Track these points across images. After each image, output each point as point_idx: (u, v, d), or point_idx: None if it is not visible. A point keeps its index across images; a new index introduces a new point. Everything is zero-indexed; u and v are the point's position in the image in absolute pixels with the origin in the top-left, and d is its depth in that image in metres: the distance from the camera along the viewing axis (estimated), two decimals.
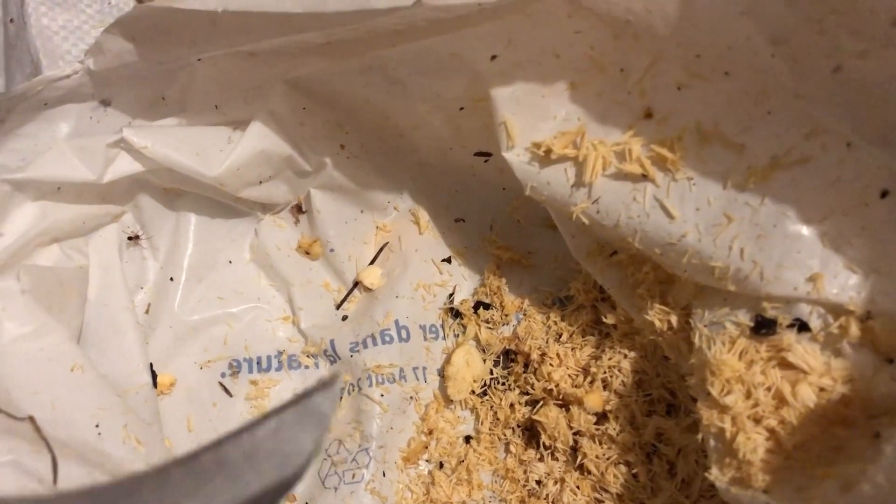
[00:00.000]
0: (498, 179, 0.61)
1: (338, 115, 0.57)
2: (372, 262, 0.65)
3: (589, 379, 0.55)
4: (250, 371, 0.62)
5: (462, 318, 0.63)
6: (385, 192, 0.65)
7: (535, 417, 0.57)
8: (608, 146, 0.44)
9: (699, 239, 0.42)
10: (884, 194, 0.38)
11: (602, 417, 0.55)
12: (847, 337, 0.39)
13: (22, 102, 0.52)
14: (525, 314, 0.62)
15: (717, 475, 0.41)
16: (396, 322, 0.62)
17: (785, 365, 0.40)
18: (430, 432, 0.60)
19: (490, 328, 0.62)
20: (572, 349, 0.57)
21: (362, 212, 0.65)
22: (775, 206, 0.40)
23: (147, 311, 0.60)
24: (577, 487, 0.55)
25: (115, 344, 0.55)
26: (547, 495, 0.56)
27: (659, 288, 0.49)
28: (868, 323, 0.38)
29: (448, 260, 0.65)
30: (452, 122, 0.54)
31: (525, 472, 0.58)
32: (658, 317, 0.48)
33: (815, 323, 0.40)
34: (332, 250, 0.64)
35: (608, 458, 0.54)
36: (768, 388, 0.40)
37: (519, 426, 0.60)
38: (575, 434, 0.56)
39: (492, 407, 0.60)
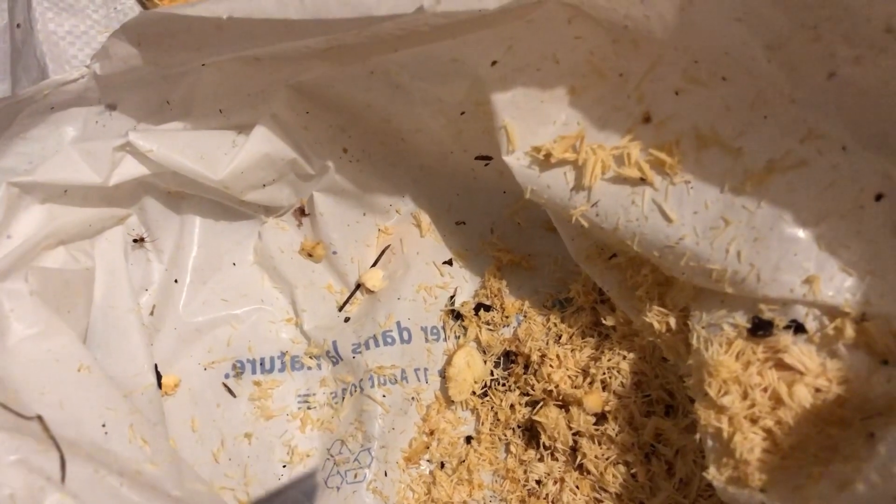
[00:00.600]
0: (498, 183, 0.61)
1: (341, 120, 0.57)
2: (374, 265, 0.66)
3: (588, 380, 0.56)
4: (254, 372, 0.63)
5: (463, 320, 0.64)
6: (387, 195, 0.65)
7: (535, 418, 0.57)
8: (607, 150, 0.45)
9: (697, 242, 0.43)
10: (878, 197, 0.38)
11: (601, 418, 0.55)
12: (842, 338, 0.39)
13: (29, 106, 0.52)
14: (525, 316, 0.62)
15: (715, 475, 0.42)
16: (398, 324, 0.63)
17: (781, 366, 0.41)
18: (432, 433, 0.60)
19: (491, 330, 0.63)
20: (572, 350, 0.58)
21: (364, 215, 0.65)
22: (772, 209, 0.40)
23: (152, 313, 0.61)
24: (577, 487, 0.55)
25: (121, 345, 0.56)
26: (547, 495, 0.56)
27: (657, 290, 0.49)
28: (863, 325, 0.39)
29: (449, 262, 0.66)
30: (453, 127, 0.55)
31: (525, 471, 0.58)
32: (656, 319, 0.49)
33: (811, 325, 0.40)
34: (334, 253, 0.64)
35: (607, 458, 0.54)
36: (765, 389, 0.41)
37: (519, 427, 0.60)
38: (574, 434, 0.56)
39: (492, 408, 0.61)
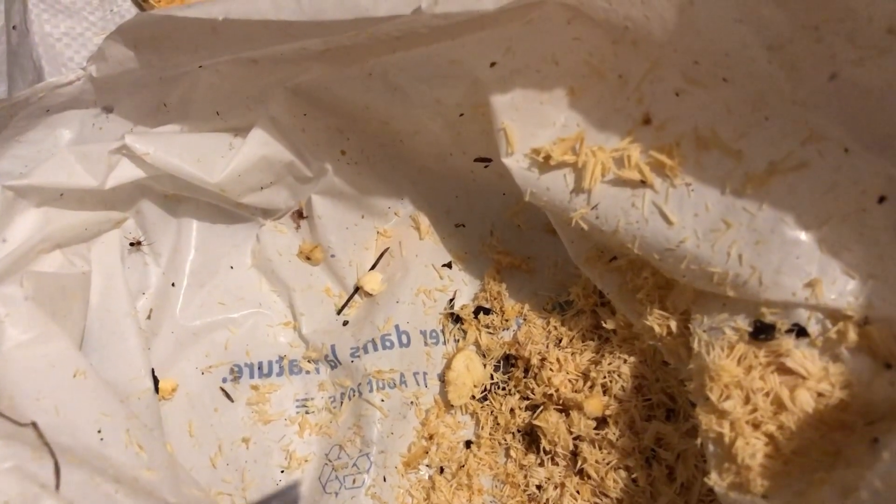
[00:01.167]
0: (498, 185, 0.61)
1: (339, 122, 0.57)
2: (373, 268, 0.66)
3: (589, 384, 0.56)
4: (251, 376, 0.62)
5: (462, 323, 0.63)
6: (386, 197, 0.65)
7: (536, 422, 0.57)
8: (607, 152, 0.45)
9: (698, 245, 0.42)
10: (881, 200, 0.38)
11: (602, 422, 0.55)
12: (845, 342, 0.39)
13: (24, 109, 0.52)
14: (525, 319, 0.62)
15: (716, 480, 0.41)
16: (397, 327, 0.62)
17: (783, 370, 0.41)
18: (431, 437, 0.60)
19: (490, 333, 0.63)
20: (572, 354, 0.57)
21: (363, 217, 0.65)
22: (773, 211, 0.40)
23: (149, 317, 0.61)
24: (577, 492, 0.55)
25: (118, 349, 0.56)
26: (547, 500, 0.56)
27: (658, 293, 0.49)
28: (866, 328, 0.39)
29: (448, 265, 0.66)
30: (452, 128, 0.55)
31: (525, 476, 0.58)
32: (657, 322, 0.48)
33: (813, 328, 0.40)
34: (332, 256, 0.64)
35: (608, 463, 0.54)
36: (767, 394, 0.40)
37: (519, 431, 0.60)
38: (575, 439, 0.56)
39: (492, 412, 0.61)
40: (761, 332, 0.41)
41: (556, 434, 0.56)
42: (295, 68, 0.51)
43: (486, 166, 0.59)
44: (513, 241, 0.65)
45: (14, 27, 0.70)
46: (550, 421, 0.56)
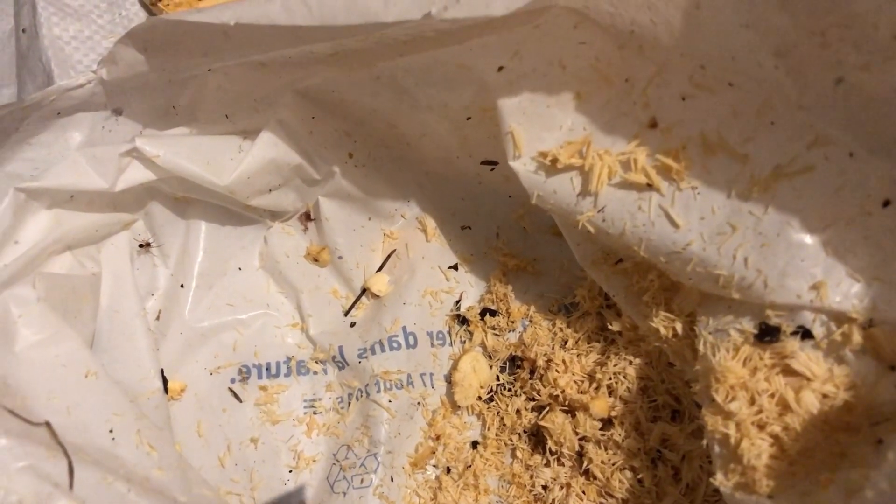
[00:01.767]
0: (504, 187, 0.61)
1: (346, 125, 0.57)
2: (379, 270, 0.66)
3: (594, 385, 0.56)
4: (260, 377, 0.63)
5: (469, 325, 0.64)
6: (392, 199, 0.65)
7: (542, 423, 0.57)
8: (613, 156, 0.45)
9: (703, 247, 0.43)
10: (886, 204, 0.38)
11: (607, 423, 0.55)
12: (850, 344, 0.39)
13: (35, 111, 0.52)
14: (531, 321, 0.62)
15: (722, 481, 0.42)
16: (404, 328, 0.63)
17: (788, 372, 0.41)
18: (438, 438, 0.60)
19: (496, 335, 0.63)
20: (578, 355, 0.58)
21: (370, 219, 0.65)
22: (779, 215, 0.40)
23: (158, 318, 0.61)
24: (583, 492, 0.55)
25: (127, 350, 0.56)
26: (553, 500, 0.56)
27: (664, 295, 0.49)
28: (870, 331, 0.39)
29: (455, 267, 0.66)
30: (459, 132, 0.55)
31: (531, 477, 0.58)
32: (663, 324, 0.49)
33: (818, 330, 0.40)
34: (340, 257, 0.64)
35: (613, 464, 0.54)
36: (772, 395, 0.41)
37: (525, 432, 0.60)
38: (581, 440, 0.56)
39: (498, 413, 0.61)
40: (766, 335, 0.42)
41: (561, 435, 0.56)
42: (303, 71, 0.52)
43: (492, 169, 0.59)
44: (519, 244, 0.66)
45: (24, 30, 0.70)
46: (556, 422, 0.56)
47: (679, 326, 0.48)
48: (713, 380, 0.43)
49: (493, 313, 0.63)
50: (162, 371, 0.58)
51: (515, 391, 0.61)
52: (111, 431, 0.46)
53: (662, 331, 0.49)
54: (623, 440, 0.54)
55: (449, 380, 0.62)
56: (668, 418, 0.54)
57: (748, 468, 0.40)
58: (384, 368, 0.61)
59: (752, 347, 0.42)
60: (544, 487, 0.58)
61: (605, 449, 0.55)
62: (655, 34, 0.40)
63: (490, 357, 0.62)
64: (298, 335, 0.65)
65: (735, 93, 0.41)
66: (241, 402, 0.61)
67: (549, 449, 0.57)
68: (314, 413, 0.62)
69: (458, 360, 0.61)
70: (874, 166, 0.38)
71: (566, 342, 0.59)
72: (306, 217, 0.65)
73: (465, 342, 0.64)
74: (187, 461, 0.55)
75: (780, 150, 0.40)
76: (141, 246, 0.61)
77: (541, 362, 0.59)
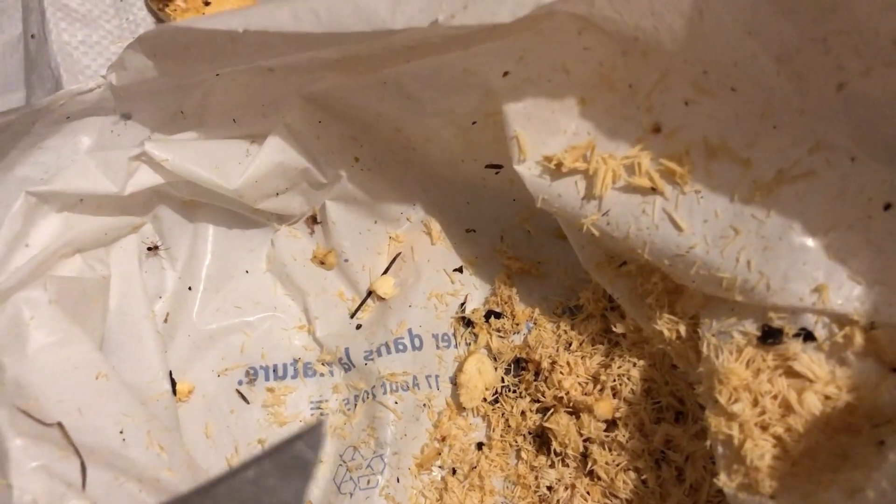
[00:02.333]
0: (508, 191, 0.62)
1: (353, 129, 0.58)
2: (385, 272, 0.67)
3: (599, 387, 0.56)
4: (267, 379, 0.63)
5: (474, 327, 0.64)
6: (398, 203, 0.66)
7: (546, 424, 0.58)
8: (618, 160, 0.45)
9: (707, 251, 0.43)
10: (887, 207, 0.39)
11: (612, 424, 0.56)
12: (852, 346, 0.40)
13: (45, 116, 0.53)
14: (535, 323, 0.63)
15: (725, 481, 0.42)
16: (409, 331, 0.63)
17: (791, 373, 0.41)
18: (443, 439, 0.61)
19: (501, 337, 0.63)
20: (582, 358, 0.58)
21: (376, 223, 0.66)
22: (781, 218, 0.41)
23: (166, 320, 0.62)
24: (588, 493, 0.56)
25: (136, 352, 0.57)
26: (558, 501, 0.57)
27: (667, 298, 0.50)
28: (872, 333, 0.39)
29: (460, 270, 0.66)
30: (464, 136, 0.55)
31: (536, 478, 0.59)
32: (667, 326, 0.49)
33: (820, 333, 0.41)
34: (346, 260, 0.65)
35: (618, 465, 0.55)
36: (775, 397, 0.41)
37: (530, 433, 0.61)
38: (585, 441, 0.57)
39: (503, 414, 0.61)
40: (769, 337, 0.42)
41: (566, 436, 0.57)
42: (310, 77, 0.52)
43: (496, 173, 0.60)
44: (523, 247, 0.66)
45: (32, 36, 0.71)
46: (561, 423, 0.57)
47: (683, 329, 0.48)
48: (716, 382, 0.43)
49: (498, 316, 0.64)
50: (170, 373, 0.59)
51: (520, 393, 0.62)
52: (122, 432, 0.47)
53: (666, 333, 0.49)
54: (627, 441, 0.54)
55: (454, 382, 0.63)
56: (672, 420, 0.55)
57: (751, 469, 0.41)
58: (390, 370, 0.62)
59: (754, 349, 0.43)
60: (549, 488, 0.58)
61: (610, 450, 0.55)
62: (659, 40, 0.41)
63: (495, 359, 0.63)
64: (305, 337, 0.65)
65: (737, 98, 0.41)
66: (248, 403, 0.62)
67: (554, 450, 0.58)
68: (321, 414, 0.63)
69: (464, 362, 0.61)
70: (875, 170, 0.39)
71: (570, 344, 0.60)
72: (313, 220, 0.66)
73: (470, 344, 0.64)
74: (196, 462, 0.55)
75: (782, 155, 0.41)
76: (149, 249, 0.61)
77: (545, 364, 0.59)
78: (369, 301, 0.66)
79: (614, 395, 0.56)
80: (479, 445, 0.62)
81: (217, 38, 0.47)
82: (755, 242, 0.42)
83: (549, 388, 0.59)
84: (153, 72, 0.51)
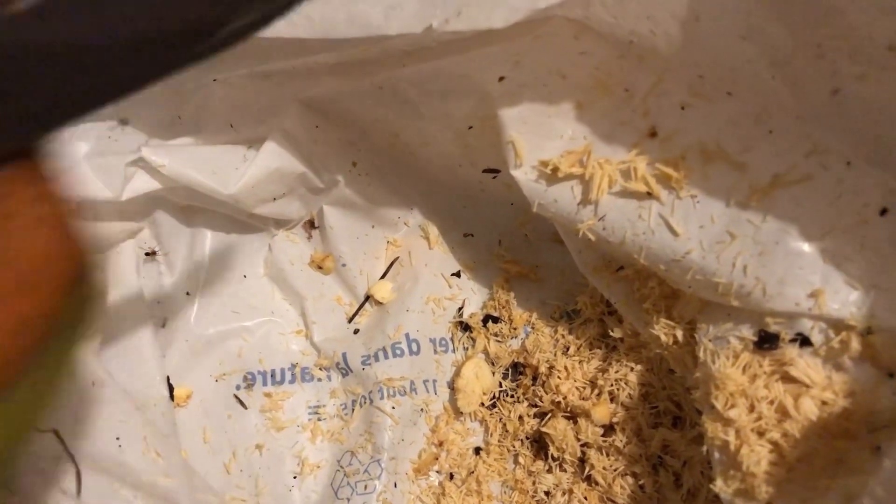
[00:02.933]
0: (506, 195, 0.62)
1: (350, 134, 0.58)
2: (383, 277, 0.67)
3: (596, 391, 0.56)
4: (264, 384, 0.63)
5: (471, 332, 0.64)
6: (396, 208, 0.66)
7: (544, 429, 0.58)
8: (614, 164, 0.45)
9: (703, 256, 0.43)
10: (883, 212, 0.38)
11: (609, 429, 0.56)
12: (848, 352, 0.40)
13: None
14: (533, 327, 0.63)
15: (722, 487, 0.42)
16: (407, 335, 0.63)
17: (787, 379, 0.41)
18: (441, 444, 0.61)
19: (499, 341, 0.63)
20: (580, 362, 0.58)
21: (373, 227, 0.66)
22: (777, 223, 0.41)
23: (164, 325, 0.62)
24: (585, 498, 0.55)
25: (133, 357, 0.57)
26: None
27: (664, 303, 0.50)
28: (869, 338, 0.39)
29: (457, 274, 0.66)
30: (461, 140, 0.55)
31: (534, 483, 0.59)
32: (664, 331, 0.49)
33: (816, 338, 0.41)
34: (343, 265, 0.65)
35: (615, 470, 0.55)
36: (771, 402, 0.41)
37: (528, 438, 0.61)
38: (583, 446, 0.56)
39: (501, 419, 0.61)
40: (765, 342, 0.42)
41: (563, 441, 0.56)
42: (307, 82, 0.52)
43: (494, 177, 0.60)
44: (521, 251, 0.66)
45: None
46: (558, 428, 0.57)
47: (679, 334, 0.48)
48: (713, 387, 0.43)
49: (496, 320, 0.64)
50: (168, 378, 0.59)
51: (518, 397, 0.62)
52: (118, 438, 0.47)
53: (663, 338, 0.49)
54: (624, 446, 0.54)
55: (452, 386, 0.63)
56: (670, 424, 0.54)
57: (747, 475, 0.41)
58: (388, 375, 0.61)
59: (751, 355, 0.42)
60: (547, 493, 0.58)
61: (607, 455, 0.55)
62: (655, 44, 0.41)
63: (493, 364, 0.63)
64: (303, 342, 0.65)
65: (733, 102, 0.41)
66: (246, 408, 0.62)
67: (552, 455, 0.58)
68: (318, 419, 0.63)
69: (461, 366, 0.61)
70: (871, 175, 0.39)
71: (568, 349, 0.60)
72: (310, 225, 0.66)
73: (467, 349, 0.64)
74: (193, 467, 0.55)
75: (778, 159, 0.41)
76: (147, 254, 0.62)
77: (543, 369, 0.59)
78: (367, 305, 0.66)
79: (612, 400, 0.56)
80: (477, 450, 0.62)
81: None
82: (751, 247, 0.42)
83: (546, 393, 0.59)
84: None
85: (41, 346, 0.22)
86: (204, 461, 0.59)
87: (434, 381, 0.63)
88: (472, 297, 0.66)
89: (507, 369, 0.63)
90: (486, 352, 0.63)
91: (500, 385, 0.62)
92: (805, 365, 0.41)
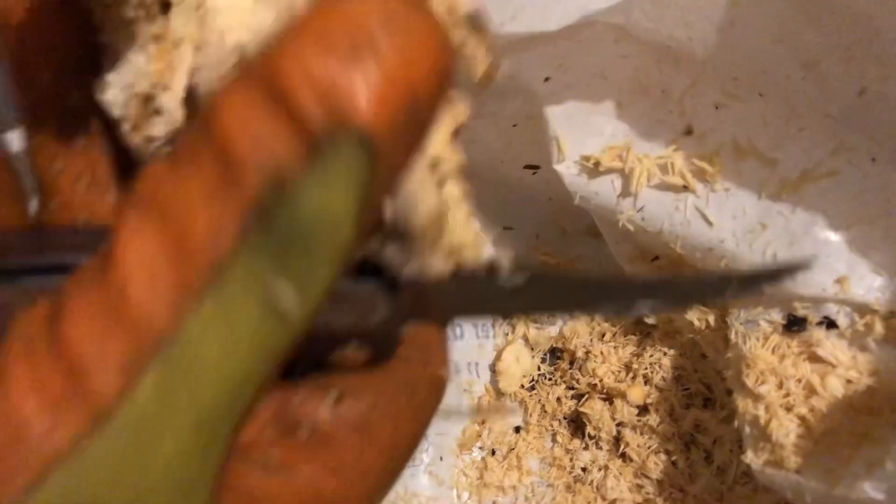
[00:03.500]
0: (544, 191, 0.64)
1: None
2: None
3: (631, 374, 0.59)
4: None
5: (511, 319, 0.67)
6: None
7: (581, 409, 0.61)
8: (652, 160, 0.48)
9: (736, 244, 0.46)
10: None
11: (643, 410, 0.59)
12: (872, 334, 0.42)
13: None
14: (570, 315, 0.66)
15: (752, 458, 0.45)
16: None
17: (814, 359, 0.44)
18: (483, 422, 0.64)
19: (538, 328, 0.66)
20: (615, 347, 0.61)
21: None
22: (806, 214, 0.44)
23: None
24: (620, 474, 0.58)
25: None
26: (591, 481, 0.60)
27: None
28: (892, 321, 0.42)
29: None
30: (505, 138, 0.58)
31: (571, 459, 0.61)
32: (697, 317, 0.52)
33: (842, 321, 0.43)
34: None
35: (649, 447, 0.57)
36: (799, 380, 0.44)
37: (565, 418, 0.63)
38: (618, 425, 0.59)
39: (539, 400, 0.64)
40: (794, 325, 0.45)
41: (600, 420, 0.59)
42: None
43: (534, 173, 0.62)
44: (558, 244, 0.68)
45: None
46: (595, 408, 0.60)
47: (712, 319, 0.51)
48: (744, 366, 0.46)
49: None
50: None
51: (556, 380, 0.64)
52: None
53: (696, 323, 0.52)
54: (658, 425, 0.57)
55: (493, 369, 0.66)
56: (701, 405, 0.57)
57: (777, 446, 0.43)
58: None
59: (780, 336, 0.45)
60: (583, 469, 0.61)
61: (641, 434, 0.58)
62: (691, 49, 0.43)
63: (532, 348, 0.66)
64: None
65: (765, 102, 0.44)
66: None
67: (588, 434, 0.60)
68: None
69: (502, 350, 0.64)
70: (894, 171, 0.41)
71: (604, 335, 0.62)
72: None
73: (508, 335, 0.67)
74: None
75: (806, 156, 0.43)
76: None
77: (580, 354, 0.62)
78: None
79: (646, 382, 0.58)
80: (517, 429, 0.65)
81: None
82: (781, 236, 0.44)
83: (583, 376, 0.61)
84: None
85: None
86: None
87: (477, 364, 0.66)
88: None
89: (546, 354, 0.66)
90: (525, 338, 0.66)
91: (539, 369, 0.65)
92: (831, 346, 0.43)
